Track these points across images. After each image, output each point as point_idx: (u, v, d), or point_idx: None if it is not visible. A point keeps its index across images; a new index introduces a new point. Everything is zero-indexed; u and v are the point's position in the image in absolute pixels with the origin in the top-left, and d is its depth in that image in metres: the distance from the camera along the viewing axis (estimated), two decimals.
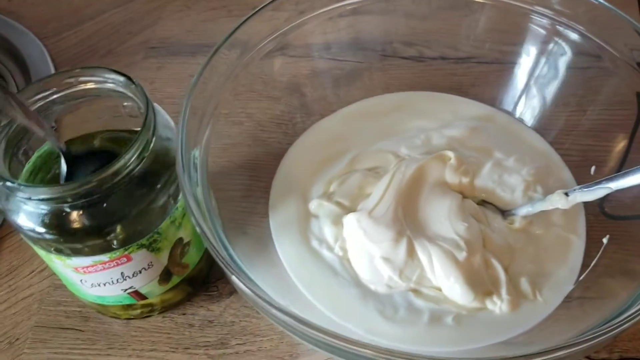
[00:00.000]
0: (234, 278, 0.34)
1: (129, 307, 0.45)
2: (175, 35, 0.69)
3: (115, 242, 0.38)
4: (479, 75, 0.56)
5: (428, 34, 0.60)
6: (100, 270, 0.39)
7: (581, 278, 0.43)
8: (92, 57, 0.68)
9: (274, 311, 0.33)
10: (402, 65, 0.60)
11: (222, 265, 0.35)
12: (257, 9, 0.49)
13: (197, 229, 0.35)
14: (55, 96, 0.41)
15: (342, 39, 0.57)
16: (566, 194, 0.42)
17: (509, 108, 0.54)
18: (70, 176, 0.40)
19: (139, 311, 0.46)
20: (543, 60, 0.51)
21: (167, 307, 0.46)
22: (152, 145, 0.37)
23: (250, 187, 0.51)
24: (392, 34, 0.59)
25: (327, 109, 0.56)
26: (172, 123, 0.42)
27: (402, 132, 0.52)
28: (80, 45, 0.69)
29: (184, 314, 0.47)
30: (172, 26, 0.70)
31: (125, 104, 0.42)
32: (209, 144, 0.45)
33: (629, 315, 0.33)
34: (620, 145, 0.48)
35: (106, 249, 0.38)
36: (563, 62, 0.50)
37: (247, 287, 0.34)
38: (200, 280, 0.48)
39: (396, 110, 0.55)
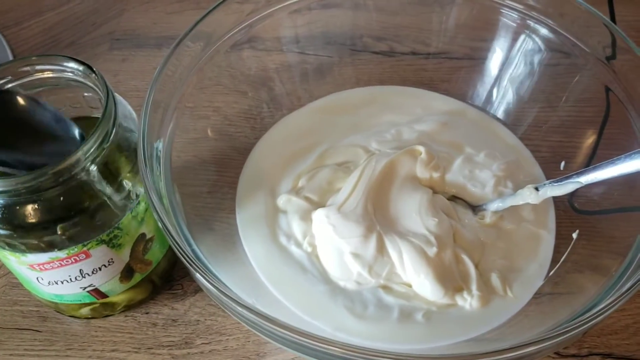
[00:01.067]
0: (197, 275, 0.33)
1: (88, 306, 0.43)
2: (140, 27, 0.67)
3: (73, 237, 0.36)
4: (449, 71, 0.56)
5: (399, 28, 0.59)
6: (57, 267, 0.38)
7: (551, 273, 0.43)
8: (54, 47, 0.66)
9: (239, 309, 0.32)
10: (373, 59, 0.59)
11: (185, 262, 0.33)
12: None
13: (159, 224, 0.34)
14: (10, 85, 0.39)
15: (311, 33, 0.56)
16: (536, 189, 0.42)
17: (480, 103, 0.53)
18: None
19: (99, 310, 0.44)
20: (513, 55, 0.51)
21: (129, 306, 0.45)
22: (112, 135, 0.36)
23: (216, 182, 0.49)
24: (362, 28, 0.59)
25: (295, 104, 0.55)
26: (134, 114, 0.40)
27: (373, 127, 0.52)
28: (42, 36, 0.67)
29: (147, 313, 0.46)
30: (137, 18, 0.68)
31: (85, 94, 0.40)
32: (173, 138, 0.44)
33: (598, 311, 0.33)
34: (590, 140, 0.48)
35: (63, 244, 0.36)
36: (533, 58, 0.50)
37: (211, 284, 0.33)
38: (164, 278, 0.46)
39: (367, 104, 0.54)
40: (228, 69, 0.52)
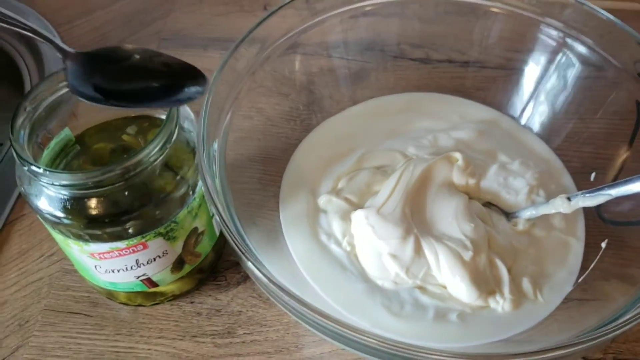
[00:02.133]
0: (249, 264, 0.35)
1: (139, 294, 0.46)
2: (187, 28, 0.70)
3: (133, 229, 0.39)
4: (485, 80, 0.58)
5: (435, 37, 0.61)
6: (116, 257, 0.40)
7: (579, 280, 0.45)
8: (103, 45, 0.68)
9: (285, 297, 0.34)
10: (410, 66, 0.61)
11: (239, 253, 0.36)
12: (277, 7, 0.50)
13: (219, 220, 0.36)
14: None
15: (351, 39, 0.58)
16: (569, 199, 0.44)
17: (514, 113, 0.55)
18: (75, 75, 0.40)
19: (148, 298, 0.47)
20: (549, 69, 0.52)
21: (176, 295, 0.47)
22: (174, 136, 0.38)
23: (260, 180, 0.52)
24: (400, 35, 0.61)
25: (335, 107, 0.57)
26: (192, 115, 0.43)
27: (410, 132, 0.53)
28: (92, 34, 0.70)
29: (192, 303, 0.48)
30: (184, 19, 0.71)
31: None
32: (227, 137, 0.46)
33: (625, 320, 0.35)
34: (620, 153, 0.49)
35: (124, 236, 0.39)
36: (569, 73, 0.51)
37: (262, 273, 0.35)
38: (210, 270, 0.49)
39: (404, 110, 0.56)
40: (274, 72, 0.54)
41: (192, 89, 0.39)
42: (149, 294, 0.46)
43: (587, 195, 0.43)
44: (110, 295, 0.47)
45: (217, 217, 0.36)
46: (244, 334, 0.47)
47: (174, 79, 0.39)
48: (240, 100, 0.49)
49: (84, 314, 0.48)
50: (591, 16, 0.47)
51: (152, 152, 0.37)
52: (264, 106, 0.55)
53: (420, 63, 0.61)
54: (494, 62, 0.57)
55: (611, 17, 0.46)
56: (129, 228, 0.39)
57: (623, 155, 0.49)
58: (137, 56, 0.40)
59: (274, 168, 0.53)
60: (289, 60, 0.55)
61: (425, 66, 0.61)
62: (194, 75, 0.40)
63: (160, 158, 0.38)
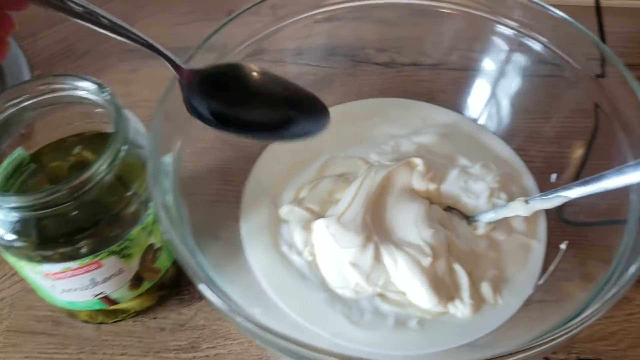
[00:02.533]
0: (200, 286, 0.35)
1: (99, 311, 0.45)
2: (152, 37, 0.68)
3: (85, 249, 0.39)
4: (448, 82, 0.58)
5: (400, 40, 0.61)
6: (70, 276, 0.40)
7: (540, 282, 0.45)
8: (68, 58, 0.68)
9: (238, 319, 0.34)
10: (374, 71, 0.61)
11: (189, 274, 0.35)
12: (236, 13, 0.49)
13: (166, 237, 0.36)
14: (27, 102, 0.41)
15: (316, 45, 0.58)
16: (526, 202, 0.44)
17: (475, 115, 0.55)
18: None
19: (110, 316, 0.46)
20: (507, 69, 0.52)
21: (138, 312, 0.47)
22: (122, 153, 0.38)
23: (223, 192, 0.51)
24: (365, 40, 0.61)
25: None
26: (143, 130, 0.43)
27: (373, 139, 0.53)
28: (57, 46, 0.70)
29: (155, 318, 0.48)
30: (148, 28, 0.70)
31: (96, 110, 0.43)
32: (183, 149, 0.46)
33: (585, 317, 0.34)
34: (580, 153, 0.49)
35: (76, 256, 0.39)
36: (526, 71, 0.51)
37: (214, 295, 0.35)
38: (172, 285, 0.48)
39: (367, 116, 0.56)
40: None
41: (312, 125, 0.36)
42: (109, 312, 0.45)
43: (544, 197, 0.43)
44: (71, 314, 0.46)
45: (164, 236, 0.36)
46: (208, 347, 0.46)
47: (294, 109, 0.36)
48: None
49: (47, 334, 0.48)
50: (544, 15, 0.47)
51: (99, 170, 0.37)
52: None
53: (385, 67, 0.61)
54: (456, 63, 0.57)
55: (563, 14, 0.46)
56: (81, 247, 0.38)
57: (583, 155, 0.49)
58: (257, 77, 0.38)
59: (238, 178, 0.52)
60: None
61: (390, 70, 0.61)
62: (315, 106, 0.37)
63: (109, 175, 0.38)
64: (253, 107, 0.37)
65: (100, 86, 0.40)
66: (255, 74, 0.37)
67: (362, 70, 0.61)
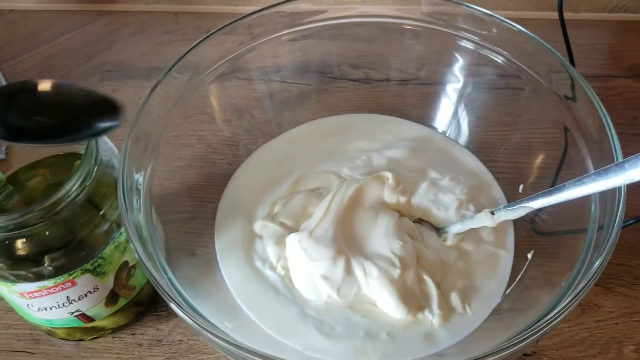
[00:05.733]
0: (171, 305, 0.36)
1: (77, 329, 0.46)
2: (130, 58, 0.71)
3: (59, 268, 0.39)
4: (419, 97, 0.59)
5: (374, 56, 0.62)
6: (46, 295, 0.41)
7: (508, 291, 0.46)
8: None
9: (210, 336, 0.35)
10: (349, 87, 0.62)
11: (160, 293, 0.36)
12: (210, 32, 0.51)
13: (136, 257, 0.37)
14: None
15: (291, 63, 0.59)
16: (492, 213, 0.45)
17: (445, 128, 0.56)
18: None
19: (88, 333, 0.47)
20: (470, 83, 0.54)
21: (116, 328, 0.48)
22: (93, 174, 0.39)
23: (199, 209, 0.52)
24: (340, 57, 0.62)
25: (276, 131, 0.58)
26: (116, 151, 0.44)
27: (345, 153, 0.55)
28: (37, 69, 0.71)
29: (133, 334, 0.48)
30: (127, 50, 0.72)
31: None
32: (156, 168, 0.46)
33: (548, 319, 0.35)
34: (546, 163, 0.51)
35: (50, 274, 0.39)
36: (491, 85, 0.53)
37: (183, 312, 0.35)
38: (149, 301, 0.49)
39: (341, 132, 0.57)
40: (212, 98, 0.55)
41: (106, 122, 0.38)
42: (87, 329, 0.46)
43: (509, 208, 0.44)
44: (50, 332, 0.47)
45: (135, 255, 0.37)
46: None
47: (87, 112, 0.38)
48: (175, 128, 0.49)
49: (27, 352, 0.48)
50: (503, 28, 0.49)
51: (71, 191, 0.38)
52: (206, 133, 0.56)
53: (360, 83, 0.63)
54: (427, 78, 0.59)
55: (522, 28, 0.48)
56: (54, 267, 0.39)
57: (548, 165, 0.51)
58: (48, 90, 0.39)
59: (212, 195, 0.53)
60: (228, 86, 0.55)
61: (365, 86, 0.62)
62: (109, 107, 0.39)
63: (81, 195, 0.38)
64: (48, 116, 0.39)
65: None
66: (46, 87, 0.39)
67: (338, 86, 0.62)
